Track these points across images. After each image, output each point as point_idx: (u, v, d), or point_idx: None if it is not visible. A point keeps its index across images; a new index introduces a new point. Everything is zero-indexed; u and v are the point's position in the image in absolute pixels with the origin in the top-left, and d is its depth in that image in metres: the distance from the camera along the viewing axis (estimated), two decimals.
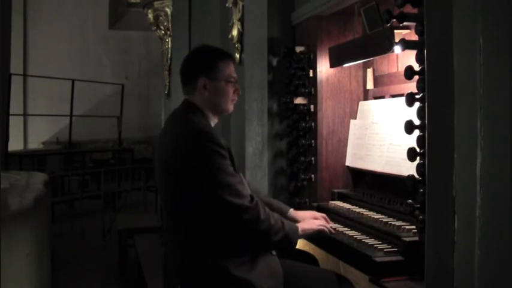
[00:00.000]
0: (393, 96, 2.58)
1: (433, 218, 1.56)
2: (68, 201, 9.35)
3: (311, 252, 2.53)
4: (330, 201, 2.77)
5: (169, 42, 6.00)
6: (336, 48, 2.75)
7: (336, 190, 2.80)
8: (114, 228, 6.65)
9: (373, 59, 2.71)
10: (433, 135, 1.59)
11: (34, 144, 12.69)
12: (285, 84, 3.09)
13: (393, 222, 2.19)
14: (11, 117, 8.87)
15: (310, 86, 2.86)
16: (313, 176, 2.85)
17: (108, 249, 6.73)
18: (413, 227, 2.02)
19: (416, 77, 1.80)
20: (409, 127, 1.83)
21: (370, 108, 2.71)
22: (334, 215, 2.53)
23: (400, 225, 2.13)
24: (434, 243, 1.55)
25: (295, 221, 2.30)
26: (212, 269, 2.02)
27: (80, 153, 11.25)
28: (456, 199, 1.43)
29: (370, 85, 2.79)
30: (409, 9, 1.88)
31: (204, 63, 2.21)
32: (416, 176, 1.81)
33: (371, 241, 2.13)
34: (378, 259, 1.92)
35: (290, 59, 3.02)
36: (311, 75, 2.85)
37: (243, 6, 3.64)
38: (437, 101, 1.56)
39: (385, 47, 2.11)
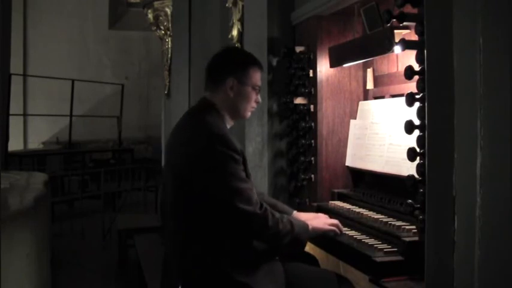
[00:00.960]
0: (393, 96, 2.57)
1: (433, 218, 1.56)
2: (68, 201, 9.35)
3: (311, 252, 2.53)
4: (330, 201, 2.77)
5: (169, 42, 6.01)
6: (336, 48, 2.75)
7: (336, 190, 2.80)
8: (114, 228, 6.65)
9: (373, 59, 2.70)
10: (433, 135, 1.59)
11: (34, 144, 12.69)
12: (285, 84, 3.09)
13: (393, 222, 2.19)
14: (11, 117, 8.87)
15: (310, 86, 2.86)
16: (313, 176, 2.85)
17: (108, 249, 6.73)
18: (413, 227, 2.02)
19: (416, 77, 1.80)
20: (409, 127, 1.83)
21: (370, 108, 2.71)
22: (334, 215, 2.53)
23: (400, 225, 2.13)
24: (434, 243, 1.55)
25: None
26: (212, 271, 2.01)
27: (80, 153, 11.25)
28: (456, 199, 1.43)
29: (370, 85, 2.79)
30: (409, 9, 1.87)
31: (236, 65, 2.21)
32: (416, 176, 1.81)
33: (371, 241, 2.13)
34: (378, 259, 1.92)
35: (290, 59, 3.02)
36: (311, 75, 2.85)
37: (243, 6, 3.65)
38: (437, 101, 1.56)
39: (385, 47, 2.11)
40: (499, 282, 1.31)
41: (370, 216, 2.39)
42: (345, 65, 2.76)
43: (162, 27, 6.10)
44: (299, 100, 2.93)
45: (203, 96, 2.24)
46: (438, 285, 1.54)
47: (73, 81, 10.87)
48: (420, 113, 1.75)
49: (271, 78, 3.15)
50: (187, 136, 2.11)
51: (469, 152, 1.37)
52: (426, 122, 1.62)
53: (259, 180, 3.10)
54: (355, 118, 2.82)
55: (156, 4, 6.01)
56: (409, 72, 1.83)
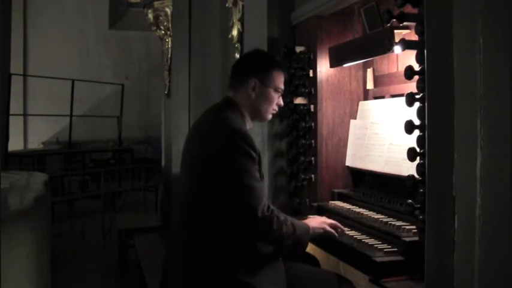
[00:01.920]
0: (393, 96, 2.58)
1: (433, 218, 1.56)
2: (68, 201, 9.36)
3: (311, 252, 2.53)
4: (330, 201, 2.77)
5: (169, 42, 6.01)
6: (336, 48, 2.75)
7: (336, 190, 2.80)
8: (114, 228, 6.65)
9: (373, 59, 2.70)
10: (433, 135, 1.59)
11: (34, 144, 12.70)
12: (285, 84, 3.09)
13: (393, 222, 2.19)
14: (11, 117, 8.87)
15: (310, 86, 2.86)
16: (313, 176, 2.85)
17: (108, 249, 6.73)
18: (413, 227, 2.02)
19: (416, 77, 1.80)
20: (409, 127, 1.83)
21: (370, 108, 2.71)
22: (334, 215, 2.53)
23: (400, 225, 2.13)
24: (434, 243, 1.55)
25: None
26: (215, 270, 2.01)
27: (80, 153, 11.25)
28: (456, 199, 1.43)
29: (370, 85, 2.79)
30: (409, 9, 1.87)
31: (260, 66, 2.26)
32: (416, 176, 1.81)
33: (371, 241, 2.13)
34: (378, 259, 1.92)
35: (290, 59, 3.01)
36: (311, 75, 2.85)
37: (243, 6, 3.65)
38: (437, 101, 1.56)
39: (385, 47, 2.11)
40: (499, 282, 1.31)
41: (370, 216, 2.39)
42: (345, 65, 2.76)
43: (162, 27, 6.10)
44: (299, 100, 2.93)
45: (226, 95, 2.28)
46: (438, 285, 1.54)
47: (73, 81, 10.87)
48: (420, 113, 1.75)
49: None
50: (208, 130, 2.14)
51: (469, 152, 1.36)
52: (426, 122, 1.62)
53: None
54: (355, 118, 2.82)
55: (156, 4, 6.02)
56: (409, 72, 1.83)
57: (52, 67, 12.12)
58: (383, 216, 2.31)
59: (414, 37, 1.87)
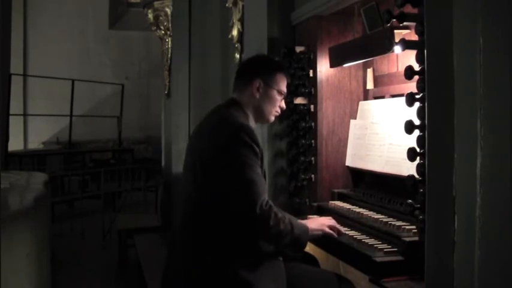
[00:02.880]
0: (393, 96, 2.58)
1: (433, 218, 1.56)
2: (68, 201, 9.36)
3: (311, 252, 2.53)
4: (330, 201, 2.77)
5: (169, 42, 6.01)
6: (336, 48, 2.75)
7: (336, 190, 2.80)
8: (114, 228, 6.65)
9: (373, 59, 2.70)
10: (433, 135, 1.59)
11: (34, 144, 12.70)
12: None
13: (393, 222, 2.19)
14: (11, 117, 8.87)
15: (310, 86, 2.86)
16: (313, 176, 2.85)
17: (108, 249, 6.73)
18: (413, 227, 2.02)
19: (416, 77, 1.80)
20: (409, 127, 1.83)
21: (370, 108, 2.71)
22: (334, 215, 2.53)
23: (400, 225, 2.13)
24: (434, 243, 1.55)
25: None
26: (215, 269, 2.02)
27: (80, 153, 11.26)
28: (456, 199, 1.43)
29: (370, 85, 2.79)
30: (409, 9, 1.87)
31: (265, 67, 2.32)
32: (416, 176, 1.81)
33: (371, 241, 2.13)
34: (378, 259, 1.92)
35: (290, 59, 3.01)
36: (311, 75, 2.85)
37: (243, 6, 3.65)
38: (437, 101, 1.56)
39: (385, 47, 2.11)
40: (499, 282, 1.31)
41: (370, 216, 2.39)
42: (345, 65, 2.76)
43: (162, 27, 6.10)
44: (299, 100, 2.93)
45: (231, 96, 2.33)
46: (438, 285, 1.54)
47: (73, 81, 10.87)
48: (420, 113, 1.74)
49: None
50: (213, 128, 2.17)
51: (469, 152, 1.36)
52: (426, 122, 1.62)
53: None
54: (355, 118, 2.82)
55: (156, 4, 6.02)
56: (409, 72, 1.83)
57: (52, 67, 12.13)
58: (383, 216, 2.31)
59: (414, 37, 1.87)
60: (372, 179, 2.68)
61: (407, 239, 1.92)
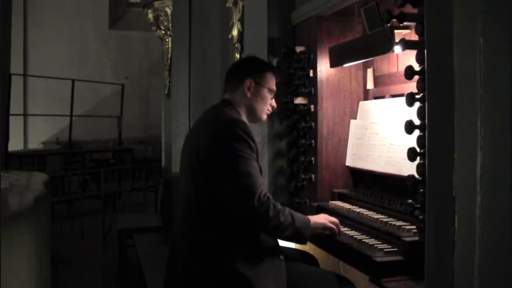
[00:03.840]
0: (393, 96, 2.58)
1: (433, 218, 1.56)
2: (68, 201, 9.35)
3: (311, 252, 2.53)
4: (330, 201, 2.77)
5: (169, 42, 6.01)
6: (336, 48, 2.75)
7: (336, 190, 2.80)
8: (114, 228, 6.66)
9: (373, 59, 2.70)
10: (433, 135, 1.59)
11: (34, 144, 12.70)
12: (285, 84, 3.09)
13: (393, 222, 2.19)
14: (11, 117, 8.88)
15: (310, 86, 2.86)
16: (313, 176, 2.85)
17: (108, 249, 6.73)
18: (413, 227, 2.02)
19: (416, 77, 1.80)
20: (409, 127, 1.83)
21: (370, 108, 2.71)
22: (334, 215, 2.52)
23: (400, 225, 2.13)
24: (434, 243, 1.55)
25: None
26: (216, 263, 2.02)
27: (80, 153, 11.26)
28: (456, 199, 1.43)
29: (370, 85, 2.79)
30: (409, 9, 1.88)
31: (255, 67, 2.36)
32: (416, 176, 1.81)
33: (371, 241, 2.13)
34: (378, 259, 1.92)
35: (290, 59, 3.02)
36: (311, 75, 2.85)
37: (243, 6, 3.65)
38: (437, 101, 1.56)
39: (385, 47, 2.11)
40: (499, 283, 1.31)
41: (370, 216, 2.39)
42: (345, 65, 2.76)
43: (162, 27, 6.10)
44: (299, 100, 2.93)
45: (223, 97, 2.36)
46: (438, 285, 1.54)
47: (73, 81, 10.87)
48: (420, 113, 1.75)
49: None
50: (209, 125, 2.20)
51: (469, 152, 1.36)
52: (426, 122, 1.62)
53: None
54: (355, 118, 2.82)
55: (156, 4, 6.01)
56: (409, 72, 1.83)
57: (52, 67, 12.14)
58: (383, 216, 2.31)
59: (414, 37, 1.87)
60: (372, 179, 2.68)
61: (408, 239, 1.92)
